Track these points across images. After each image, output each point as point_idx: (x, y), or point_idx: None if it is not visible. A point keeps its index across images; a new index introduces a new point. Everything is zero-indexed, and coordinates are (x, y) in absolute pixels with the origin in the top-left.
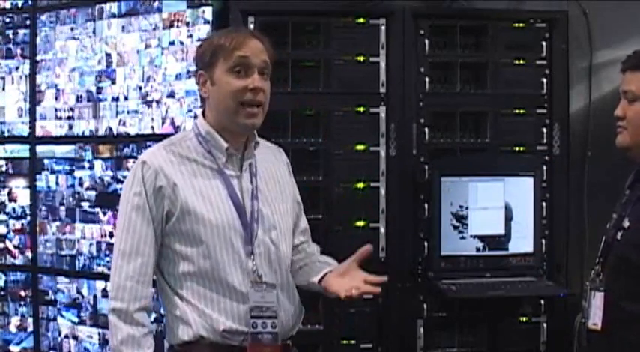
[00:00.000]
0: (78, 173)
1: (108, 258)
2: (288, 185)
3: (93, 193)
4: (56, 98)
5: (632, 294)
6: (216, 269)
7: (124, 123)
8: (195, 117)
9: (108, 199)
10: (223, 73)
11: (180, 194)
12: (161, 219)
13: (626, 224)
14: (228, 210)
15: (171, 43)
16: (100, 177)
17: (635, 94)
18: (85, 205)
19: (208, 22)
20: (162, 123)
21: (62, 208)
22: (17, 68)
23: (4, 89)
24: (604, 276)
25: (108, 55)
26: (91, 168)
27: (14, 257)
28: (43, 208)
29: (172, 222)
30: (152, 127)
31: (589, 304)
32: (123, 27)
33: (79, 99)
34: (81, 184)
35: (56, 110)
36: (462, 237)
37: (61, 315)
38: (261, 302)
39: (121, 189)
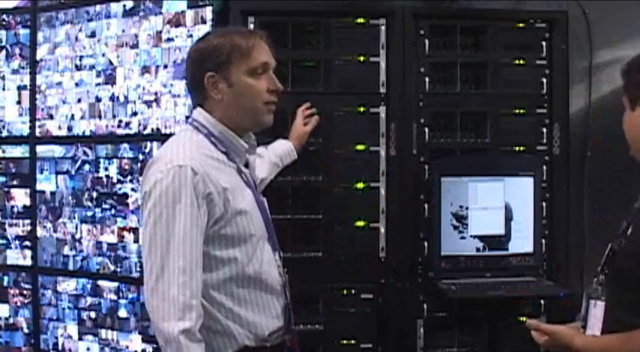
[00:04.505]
0: (78, 173)
1: (107, 258)
2: None
3: (93, 193)
4: (56, 98)
5: (630, 307)
6: (259, 269)
7: (124, 124)
8: (187, 117)
9: (107, 199)
10: (242, 74)
11: (229, 197)
12: (206, 226)
13: (629, 232)
14: (256, 207)
15: (172, 43)
16: (99, 177)
17: None
18: (85, 205)
19: (208, 22)
20: (162, 122)
21: (62, 208)
22: (17, 68)
23: (4, 89)
24: (605, 286)
25: (108, 55)
26: (91, 168)
27: (14, 257)
28: (43, 208)
29: (217, 228)
30: (152, 127)
31: (588, 313)
32: (123, 27)
33: (78, 99)
34: (81, 184)
35: (56, 110)
36: (462, 237)
37: (61, 315)
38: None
39: (120, 189)
